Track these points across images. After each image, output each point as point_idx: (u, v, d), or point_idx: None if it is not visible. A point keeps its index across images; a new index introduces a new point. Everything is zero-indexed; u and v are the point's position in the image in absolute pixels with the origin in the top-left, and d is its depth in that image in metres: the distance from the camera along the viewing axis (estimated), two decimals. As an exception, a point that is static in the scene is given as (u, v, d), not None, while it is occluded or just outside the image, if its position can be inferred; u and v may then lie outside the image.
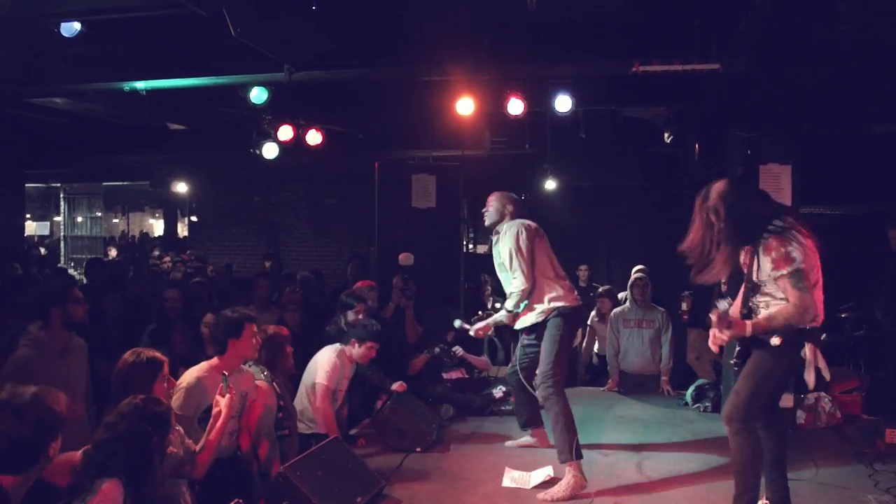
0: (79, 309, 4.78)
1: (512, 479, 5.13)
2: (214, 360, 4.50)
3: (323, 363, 5.79)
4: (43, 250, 18.41)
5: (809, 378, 4.11)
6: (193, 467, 3.79)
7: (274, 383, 4.94)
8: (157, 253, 18.34)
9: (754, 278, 4.09)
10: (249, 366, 4.83)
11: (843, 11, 5.08)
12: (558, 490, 4.81)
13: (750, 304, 4.15)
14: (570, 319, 5.28)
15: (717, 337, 4.10)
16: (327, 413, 5.64)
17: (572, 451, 4.89)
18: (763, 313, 4.04)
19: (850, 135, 7.67)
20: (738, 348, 4.21)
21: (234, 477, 4.45)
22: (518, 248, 5.26)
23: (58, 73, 7.06)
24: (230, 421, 4.24)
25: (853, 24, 5.16)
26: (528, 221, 5.44)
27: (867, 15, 5.08)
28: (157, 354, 3.87)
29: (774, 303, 4.03)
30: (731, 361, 4.32)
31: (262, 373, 4.90)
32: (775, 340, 3.98)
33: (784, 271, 3.90)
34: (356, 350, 5.88)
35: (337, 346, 5.96)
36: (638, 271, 8.10)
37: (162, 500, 3.44)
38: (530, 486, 5.01)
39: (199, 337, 6.18)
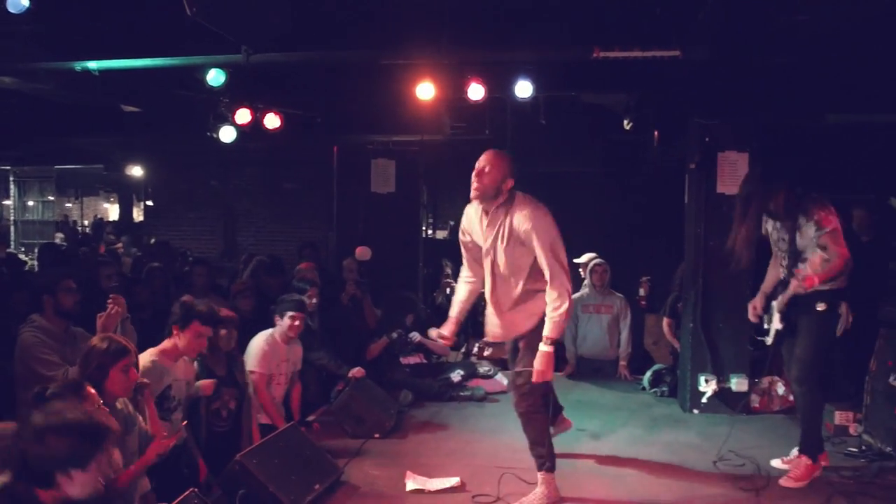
0: (69, 298, 4.81)
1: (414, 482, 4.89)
2: (164, 344, 4.51)
3: (253, 352, 5.63)
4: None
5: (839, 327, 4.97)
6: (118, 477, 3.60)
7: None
8: (112, 237, 18.02)
9: (798, 246, 4.82)
10: None
11: (800, 1, 5.13)
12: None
13: (795, 270, 4.84)
14: None
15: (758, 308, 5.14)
16: (264, 400, 5.50)
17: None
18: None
19: (805, 124, 7.76)
20: (777, 316, 4.97)
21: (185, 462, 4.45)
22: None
23: (5, 52, 6.83)
24: (178, 411, 4.42)
25: (810, 15, 5.22)
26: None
27: (823, 5, 5.14)
28: (125, 342, 3.81)
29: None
30: (777, 328, 5.01)
31: None
32: (821, 306, 4.74)
33: (828, 229, 4.64)
34: (281, 325, 5.74)
35: (266, 331, 5.80)
36: (596, 257, 8.14)
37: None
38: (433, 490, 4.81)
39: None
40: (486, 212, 4.52)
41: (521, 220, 4.36)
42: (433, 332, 4.82)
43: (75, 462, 2.67)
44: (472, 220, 4.66)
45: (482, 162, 4.43)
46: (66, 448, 2.66)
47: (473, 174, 4.43)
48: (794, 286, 4.79)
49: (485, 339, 5.18)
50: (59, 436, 2.66)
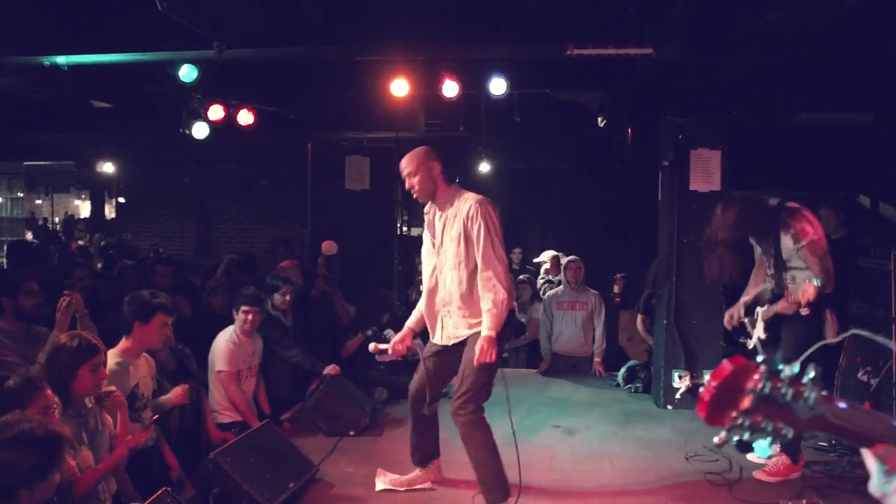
0: (29, 300, 4.77)
1: (389, 481, 4.84)
2: (123, 343, 4.41)
3: (217, 351, 5.58)
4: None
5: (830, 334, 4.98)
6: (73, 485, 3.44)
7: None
8: (86, 236, 17.78)
9: (783, 257, 4.85)
10: None
11: (770, 1, 5.16)
12: None
13: (787, 292, 4.81)
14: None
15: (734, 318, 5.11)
16: (236, 398, 5.50)
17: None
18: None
19: (777, 122, 7.84)
20: (762, 325, 4.94)
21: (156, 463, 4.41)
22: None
23: (-29, 46, 6.73)
24: (147, 409, 4.36)
25: (780, 14, 5.26)
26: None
27: (793, 5, 5.18)
28: (95, 341, 3.74)
29: (801, 274, 4.79)
30: (761, 337, 4.92)
31: None
32: (805, 311, 4.69)
33: (804, 241, 4.70)
34: (238, 320, 5.68)
35: (227, 329, 5.72)
36: (558, 254, 8.20)
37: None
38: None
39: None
40: (437, 207, 4.54)
41: (467, 207, 4.34)
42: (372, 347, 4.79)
43: (36, 477, 2.64)
44: (428, 221, 4.65)
45: (403, 168, 4.53)
46: (26, 464, 2.62)
47: (405, 183, 4.54)
48: (782, 307, 4.82)
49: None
50: (15, 452, 2.61)
